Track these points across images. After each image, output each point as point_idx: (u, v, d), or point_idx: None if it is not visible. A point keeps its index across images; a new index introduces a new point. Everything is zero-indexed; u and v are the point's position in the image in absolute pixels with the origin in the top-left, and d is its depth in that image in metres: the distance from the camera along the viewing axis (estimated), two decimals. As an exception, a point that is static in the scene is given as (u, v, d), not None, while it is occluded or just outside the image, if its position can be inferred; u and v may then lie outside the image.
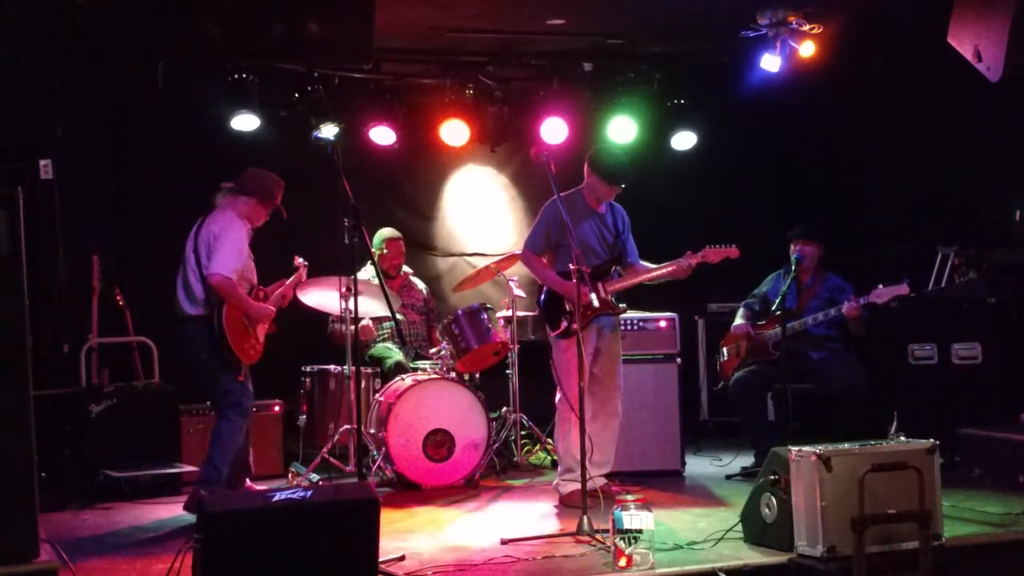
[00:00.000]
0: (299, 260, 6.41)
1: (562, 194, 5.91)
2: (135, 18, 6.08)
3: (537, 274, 6.09)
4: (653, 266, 6.10)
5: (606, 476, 5.99)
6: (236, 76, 7.40)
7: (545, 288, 6.04)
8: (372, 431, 6.62)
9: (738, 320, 6.91)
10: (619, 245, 6.12)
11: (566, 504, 5.84)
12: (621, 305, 5.99)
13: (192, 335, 5.90)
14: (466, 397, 6.59)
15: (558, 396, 5.91)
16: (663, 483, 6.40)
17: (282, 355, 7.40)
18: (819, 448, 4.41)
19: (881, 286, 6.29)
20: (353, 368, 6.39)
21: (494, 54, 8.11)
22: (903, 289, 6.25)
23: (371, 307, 6.64)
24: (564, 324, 5.86)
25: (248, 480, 6.24)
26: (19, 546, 4.14)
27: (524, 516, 5.68)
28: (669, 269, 6.00)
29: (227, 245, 5.82)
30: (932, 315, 6.72)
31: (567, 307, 5.87)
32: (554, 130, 8.27)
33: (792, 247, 6.76)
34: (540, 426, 7.21)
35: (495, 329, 6.85)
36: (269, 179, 6.12)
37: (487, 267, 7.37)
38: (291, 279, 6.31)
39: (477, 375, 7.15)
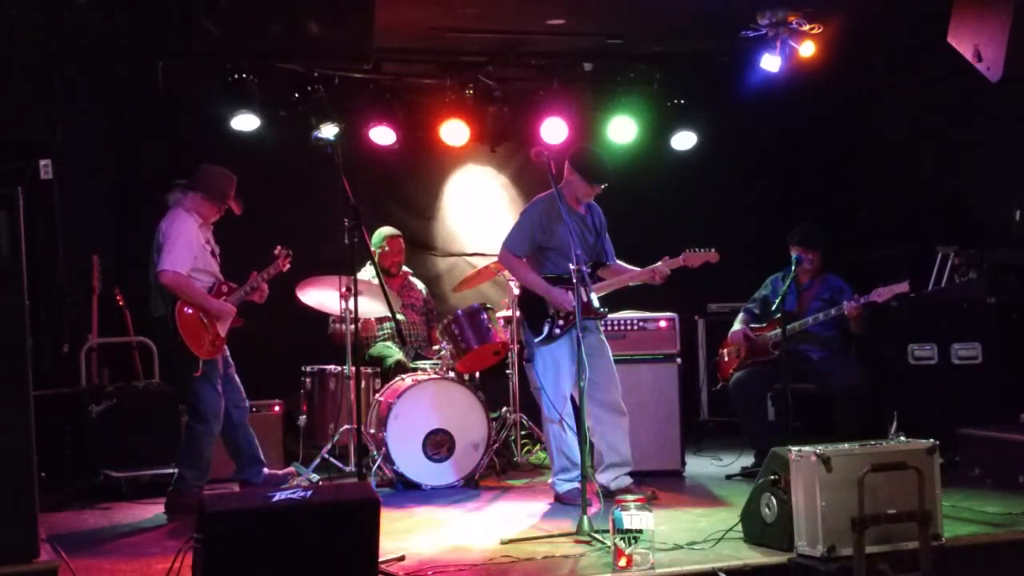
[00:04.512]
0: (279, 249, 6.27)
1: (543, 195, 5.92)
2: (135, 18, 6.07)
3: (520, 277, 5.99)
4: (629, 267, 6.08)
5: (631, 474, 5.99)
6: (236, 76, 7.40)
7: (521, 291, 6.00)
8: (372, 431, 6.62)
9: (736, 326, 6.89)
10: (598, 246, 6.09)
11: (562, 501, 5.84)
12: (603, 309, 5.97)
13: (159, 337, 6.04)
14: (466, 397, 6.59)
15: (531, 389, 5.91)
16: (663, 483, 6.38)
17: (282, 355, 7.44)
18: (819, 448, 4.41)
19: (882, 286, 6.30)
20: (353, 368, 6.39)
21: (494, 54, 8.10)
22: (903, 287, 6.24)
23: (371, 307, 6.64)
24: (546, 329, 5.82)
25: (266, 469, 6.28)
26: (19, 546, 4.14)
27: (524, 516, 5.67)
28: (647, 276, 5.98)
29: (174, 241, 5.84)
30: (932, 315, 6.71)
31: (550, 311, 5.83)
32: (554, 130, 8.26)
33: (791, 250, 6.76)
34: (540, 426, 7.20)
35: (495, 329, 6.85)
36: (220, 176, 6.09)
37: (487, 267, 7.37)
38: (266, 269, 6.20)
39: (477, 375, 7.15)
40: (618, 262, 6.14)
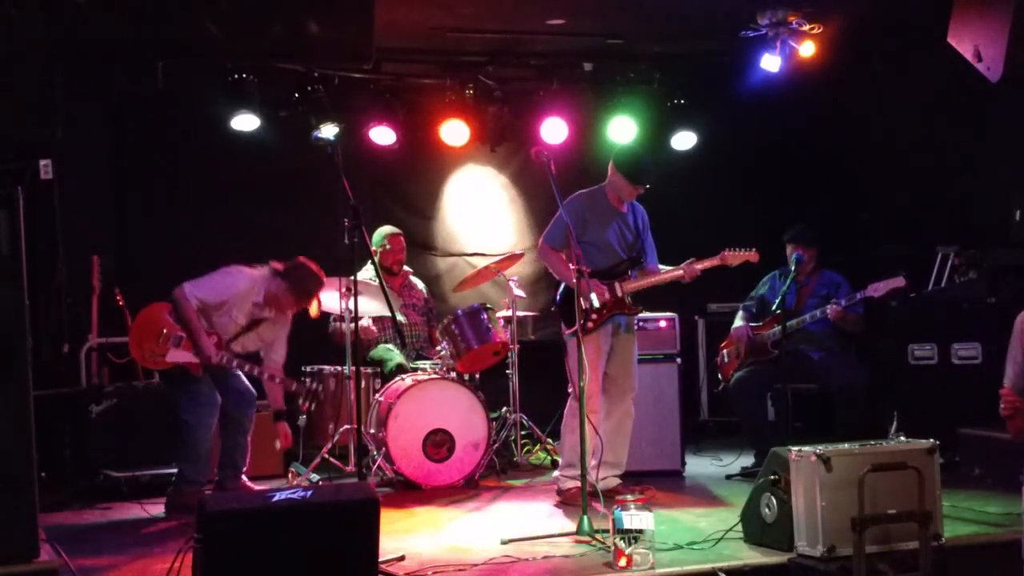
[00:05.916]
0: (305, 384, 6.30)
1: (585, 191, 6.04)
2: (135, 18, 6.08)
3: (554, 269, 6.09)
4: (664, 268, 6.14)
5: (623, 476, 6.02)
6: (236, 76, 7.40)
7: (562, 286, 6.06)
8: (372, 431, 6.61)
9: (737, 322, 6.90)
10: (639, 245, 6.15)
11: (565, 501, 5.85)
12: (637, 306, 6.02)
13: None
14: (466, 397, 6.59)
15: (570, 390, 5.93)
16: (663, 483, 6.39)
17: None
18: (819, 448, 4.41)
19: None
20: (353, 368, 6.39)
21: (494, 54, 8.10)
22: (899, 282, 6.25)
23: (371, 307, 6.64)
24: (580, 322, 5.86)
25: (244, 478, 6.24)
26: (19, 546, 4.14)
27: (524, 516, 5.68)
28: (678, 273, 6.04)
29: (218, 282, 5.92)
30: (932, 315, 6.72)
31: (584, 305, 5.87)
32: (554, 130, 8.27)
33: (788, 249, 6.76)
34: (540, 426, 7.22)
35: (495, 329, 6.85)
36: (312, 278, 6.07)
37: (487, 267, 7.36)
38: (284, 382, 6.18)
39: (477, 375, 7.14)
40: (653, 264, 6.18)
